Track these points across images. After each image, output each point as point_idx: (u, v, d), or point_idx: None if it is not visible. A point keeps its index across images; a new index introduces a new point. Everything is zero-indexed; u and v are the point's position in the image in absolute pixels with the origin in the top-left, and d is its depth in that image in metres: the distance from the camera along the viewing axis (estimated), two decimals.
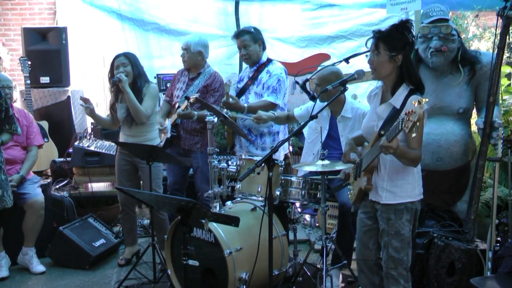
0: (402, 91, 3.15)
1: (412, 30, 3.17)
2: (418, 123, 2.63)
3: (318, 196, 4.05)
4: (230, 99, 4.75)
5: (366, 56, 3.27)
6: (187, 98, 4.76)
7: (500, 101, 4.99)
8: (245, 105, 4.80)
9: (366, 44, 3.26)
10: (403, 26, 3.16)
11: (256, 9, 6.77)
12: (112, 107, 4.90)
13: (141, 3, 6.59)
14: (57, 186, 5.79)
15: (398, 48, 3.12)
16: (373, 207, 3.33)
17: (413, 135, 2.69)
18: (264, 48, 4.99)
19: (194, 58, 5.09)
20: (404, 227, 3.20)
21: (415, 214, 3.26)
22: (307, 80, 4.58)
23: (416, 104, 2.65)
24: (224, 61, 6.93)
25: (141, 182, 5.01)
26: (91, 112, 4.79)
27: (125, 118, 4.76)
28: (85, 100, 4.71)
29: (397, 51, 3.12)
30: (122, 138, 4.89)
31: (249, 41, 4.86)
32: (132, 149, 4.64)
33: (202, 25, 6.73)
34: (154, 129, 4.88)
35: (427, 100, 2.66)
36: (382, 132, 3.07)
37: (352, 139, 3.52)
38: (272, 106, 4.83)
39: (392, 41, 3.11)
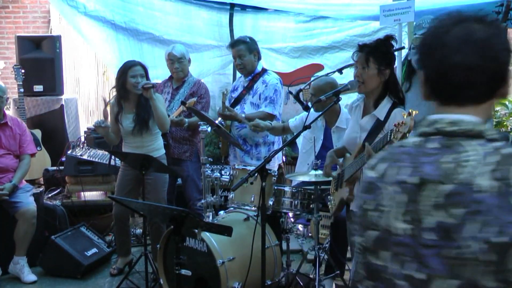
0: (386, 104, 3.17)
1: (394, 46, 3.23)
2: (407, 134, 2.65)
3: (311, 206, 4.05)
4: (227, 112, 4.74)
5: (356, 68, 3.28)
6: (183, 103, 4.76)
7: (492, 112, 5.02)
8: (243, 115, 4.80)
9: (352, 57, 3.27)
10: (389, 41, 3.19)
11: (250, 21, 6.79)
12: (116, 118, 4.66)
13: (135, 14, 6.58)
14: (50, 195, 5.76)
15: (386, 62, 3.15)
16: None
17: None
18: (259, 58, 5.01)
19: (187, 66, 5.17)
20: None
21: None
22: (300, 90, 4.60)
23: (405, 116, 2.66)
24: (218, 71, 6.95)
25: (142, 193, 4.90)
26: (105, 131, 4.61)
27: (132, 128, 4.58)
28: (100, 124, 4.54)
29: (385, 65, 3.15)
30: (127, 150, 4.70)
31: (244, 51, 4.88)
32: (126, 159, 4.63)
33: (196, 35, 6.74)
34: (160, 138, 4.80)
35: (417, 112, 2.69)
36: (367, 144, 3.09)
37: (334, 151, 3.54)
38: (270, 117, 4.84)
39: (382, 56, 3.15)
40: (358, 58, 3.20)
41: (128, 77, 4.53)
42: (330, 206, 3.58)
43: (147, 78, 4.64)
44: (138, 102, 4.60)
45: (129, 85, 4.54)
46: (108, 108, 5.04)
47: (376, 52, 3.15)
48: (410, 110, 2.67)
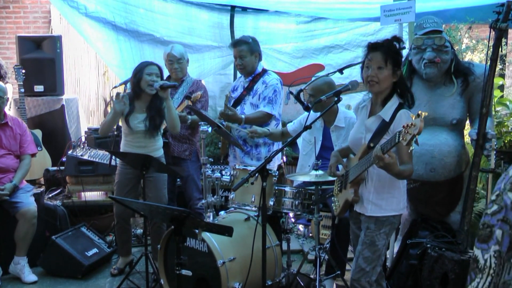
0: (392, 104, 3.16)
1: (399, 47, 3.19)
2: (417, 136, 2.62)
3: (311, 206, 4.05)
4: (229, 111, 4.74)
5: (367, 68, 3.24)
6: (188, 97, 4.75)
7: (493, 112, 5.00)
8: (243, 116, 4.79)
9: (364, 56, 3.25)
10: (398, 42, 3.18)
11: (251, 22, 6.78)
12: (126, 117, 4.59)
13: (136, 15, 6.57)
14: (50, 195, 5.76)
15: (400, 63, 3.15)
16: (358, 218, 3.36)
17: (411, 148, 2.68)
18: (260, 59, 5.00)
19: (186, 66, 5.19)
20: (380, 239, 3.22)
21: (393, 229, 3.29)
22: (301, 90, 4.59)
23: (414, 117, 2.64)
24: (219, 71, 6.94)
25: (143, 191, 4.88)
26: (120, 106, 4.49)
27: (143, 129, 4.58)
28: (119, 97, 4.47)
29: (398, 66, 3.15)
30: (127, 149, 4.66)
31: (246, 51, 4.87)
32: (126, 159, 4.62)
33: (197, 37, 6.74)
34: (160, 138, 4.80)
35: (426, 114, 2.65)
36: (372, 145, 3.08)
37: (338, 151, 3.53)
38: (268, 117, 4.84)
39: (397, 56, 3.14)
40: (374, 58, 3.13)
41: (144, 75, 4.54)
42: (334, 208, 3.57)
43: (162, 79, 4.66)
44: (150, 103, 4.61)
45: (144, 83, 4.52)
46: (110, 106, 5.02)
47: (391, 53, 3.13)
48: (419, 112, 2.64)
